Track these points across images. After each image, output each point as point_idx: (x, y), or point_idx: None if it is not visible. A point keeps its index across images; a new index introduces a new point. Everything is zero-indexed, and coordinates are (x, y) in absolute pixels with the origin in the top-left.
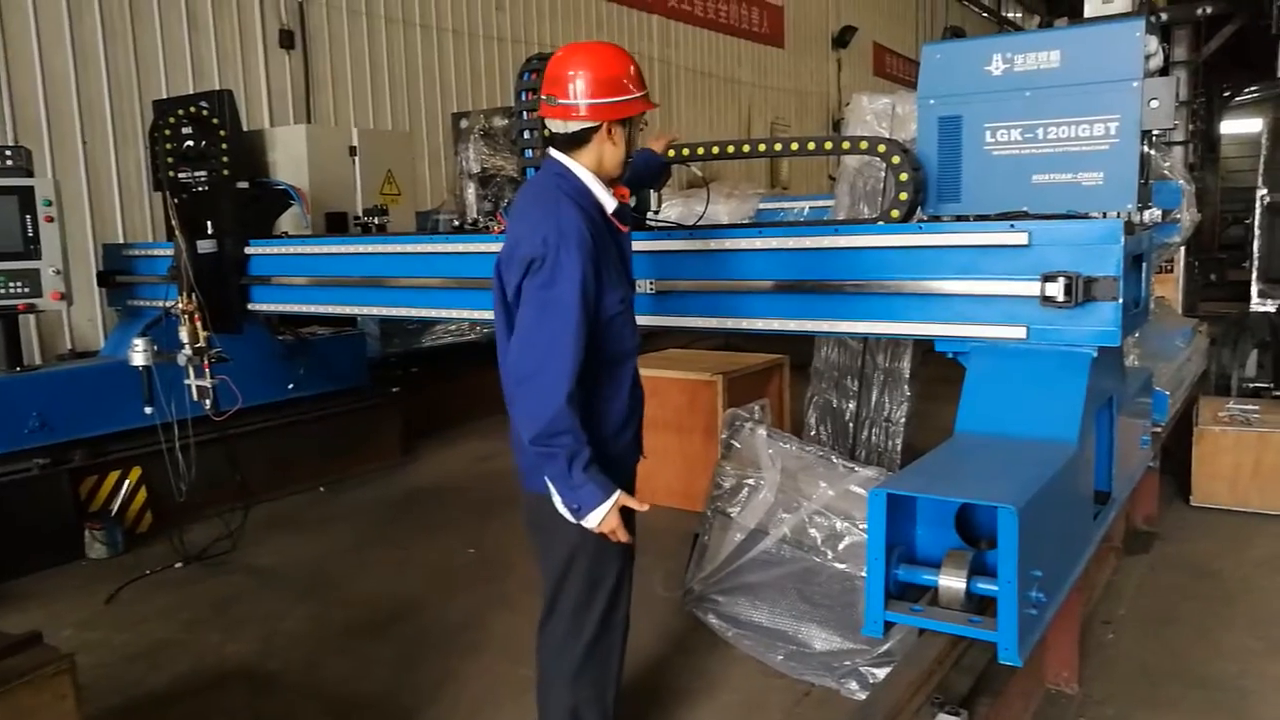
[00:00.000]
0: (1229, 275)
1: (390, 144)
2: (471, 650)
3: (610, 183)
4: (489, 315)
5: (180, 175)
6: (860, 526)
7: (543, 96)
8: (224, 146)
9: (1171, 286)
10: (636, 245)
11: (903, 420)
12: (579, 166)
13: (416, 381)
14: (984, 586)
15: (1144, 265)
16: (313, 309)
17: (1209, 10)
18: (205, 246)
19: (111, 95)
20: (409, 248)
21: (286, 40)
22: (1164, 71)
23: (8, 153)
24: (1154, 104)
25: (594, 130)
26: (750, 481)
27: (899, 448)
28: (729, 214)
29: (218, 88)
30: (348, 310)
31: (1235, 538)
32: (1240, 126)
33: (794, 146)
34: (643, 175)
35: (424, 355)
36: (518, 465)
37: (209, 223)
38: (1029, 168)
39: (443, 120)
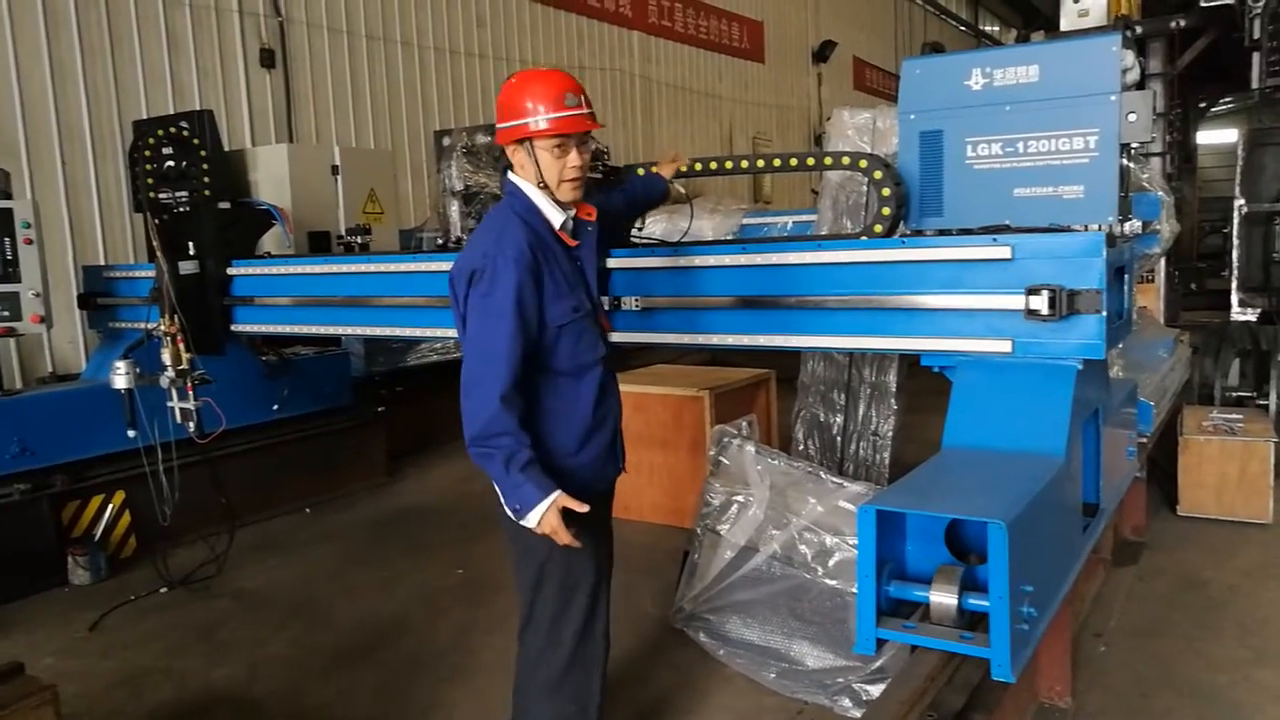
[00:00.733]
0: (1208, 284)
1: (373, 162)
2: (460, 674)
3: (569, 201)
4: None
5: (161, 196)
6: (850, 542)
7: None
8: (205, 167)
9: (1153, 296)
10: (619, 263)
11: (890, 434)
12: (526, 184)
13: (401, 400)
14: (975, 602)
15: (1126, 277)
16: (296, 329)
17: (1183, 23)
18: (187, 267)
19: (91, 115)
20: (392, 266)
21: (267, 59)
22: (1140, 85)
23: None
24: (1132, 117)
25: (509, 151)
26: (739, 498)
27: (887, 461)
28: (713, 230)
29: (198, 107)
30: (332, 330)
31: (1222, 547)
32: (1216, 137)
33: (777, 162)
34: (644, 198)
35: (409, 374)
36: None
37: (190, 243)
38: (1010, 181)
39: (425, 137)
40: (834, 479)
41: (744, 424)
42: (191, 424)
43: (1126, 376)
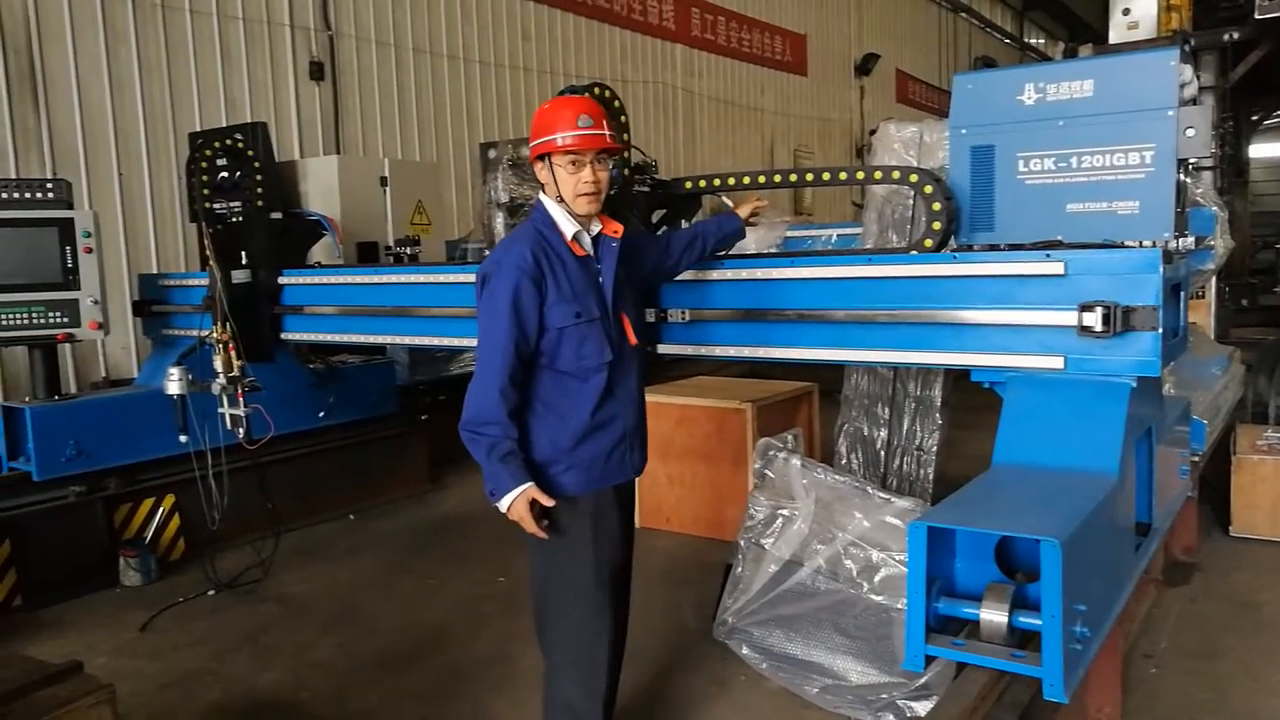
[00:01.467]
0: (1260, 300)
1: (420, 174)
2: (501, 683)
3: (584, 214)
4: None
5: (215, 206)
6: (896, 558)
7: None
8: (258, 178)
9: (1204, 312)
10: None
11: (935, 449)
12: (547, 199)
13: (444, 409)
14: (1027, 621)
15: (1182, 294)
16: (344, 338)
17: (1236, 36)
18: (239, 276)
19: (147, 128)
20: (437, 278)
21: (317, 72)
22: (1195, 100)
23: (48, 185)
24: (1190, 132)
25: (536, 168)
26: (784, 512)
27: (931, 477)
28: (756, 242)
29: (249, 119)
30: (378, 340)
31: (1276, 569)
32: (1268, 151)
33: (825, 176)
34: (717, 238)
35: (451, 383)
36: None
37: (243, 253)
38: (1063, 197)
39: (470, 150)
40: (881, 494)
41: (789, 437)
42: (241, 430)
43: (1179, 394)
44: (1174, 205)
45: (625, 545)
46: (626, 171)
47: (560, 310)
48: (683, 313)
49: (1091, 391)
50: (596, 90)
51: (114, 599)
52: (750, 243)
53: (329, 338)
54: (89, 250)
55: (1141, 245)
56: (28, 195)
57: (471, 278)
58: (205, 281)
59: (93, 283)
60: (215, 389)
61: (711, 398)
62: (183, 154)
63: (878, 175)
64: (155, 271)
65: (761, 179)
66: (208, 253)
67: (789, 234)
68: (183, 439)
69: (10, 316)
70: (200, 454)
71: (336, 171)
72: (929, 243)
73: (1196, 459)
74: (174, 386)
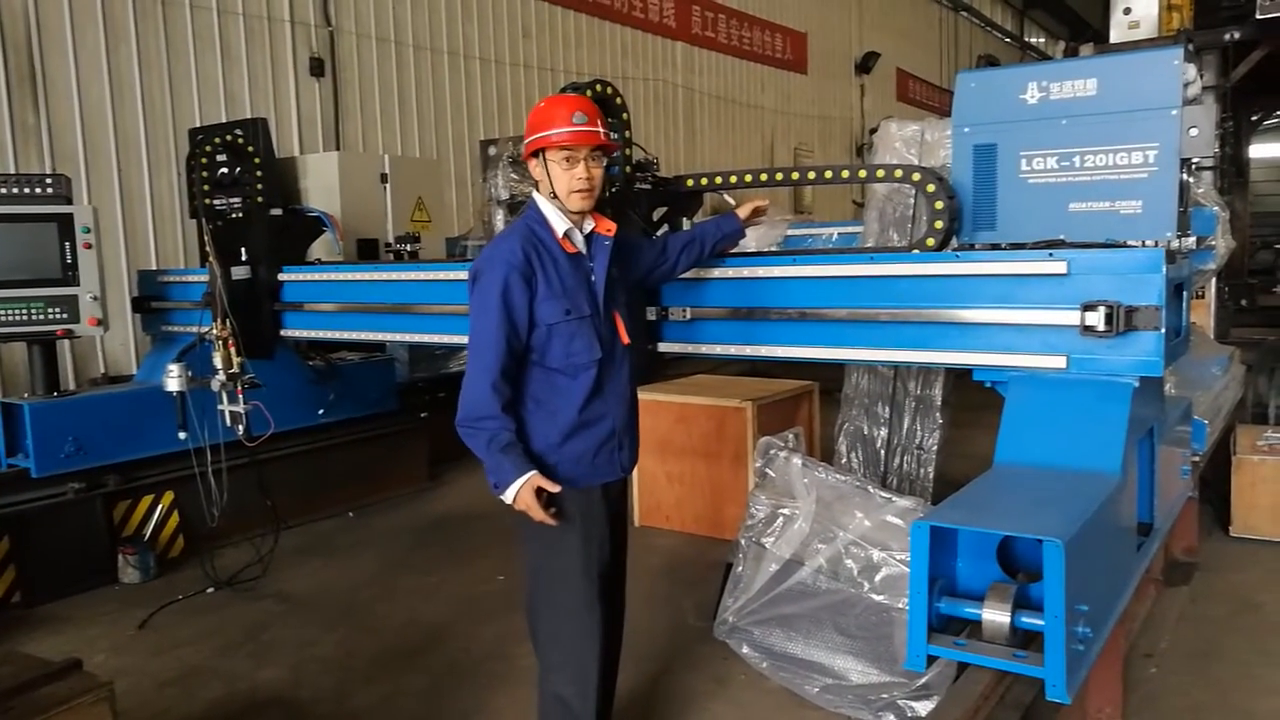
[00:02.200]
0: (1259, 300)
1: (421, 171)
2: (501, 681)
3: (578, 210)
4: None
5: (215, 202)
6: (897, 557)
7: None
8: (258, 174)
9: (1204, 312)
10: None
11: (935, 448)
12: (540, 197)
13: (444, 406)
14: (1029, 621)
15: (1184, 294)
16: (344, 335)
17: (1237, 35)
18: (239, 273)
19: (146, 124)
20: (439, 275)
21: (317, 68)
22: (1197, 98)
23: (47, 180)
24: (1193, 132)
25: (531, 166)
26: (785, 511)
27: (931, 476)
28: (756, 241)
29: (249, 115)
30: (378, 337)
31: (1277, 569)
32: (1268, 151)
33: (827, 175)
34: (715, 239)
35: (451, 380)
36: None
37: (243, 249)
38: (1066, 196)
39: (470, 147)
40: (882, 493)
41: (790, 436)
42: (240, 427)
43: (1180, 394)
44: (1177, 205)
45: (616, 543)
46: (628, 169)
47: (550, 307)
48: (684, 311)
49: (1094, 391)
50: (598, 88)
51: (113, 596)
52: (751, 241)
53: (329, 334)
54: (88, 246)
55: (1144, 245)
56: (27, 191)
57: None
58: (205, 278)
59: (92, 279)
60: (215, 386)
61: (712, 396)
62: (182, 150)
63: (880, 174)
64: (155, 268)
65: (763, 177)
66: (207, 249)
67: (790, 232)
68: (182, 436)
69: (9, 312)
70: (200, 451)
71: (337, 168)
72: (931, 241)
73: (1197, 459)
74: (173, 383)
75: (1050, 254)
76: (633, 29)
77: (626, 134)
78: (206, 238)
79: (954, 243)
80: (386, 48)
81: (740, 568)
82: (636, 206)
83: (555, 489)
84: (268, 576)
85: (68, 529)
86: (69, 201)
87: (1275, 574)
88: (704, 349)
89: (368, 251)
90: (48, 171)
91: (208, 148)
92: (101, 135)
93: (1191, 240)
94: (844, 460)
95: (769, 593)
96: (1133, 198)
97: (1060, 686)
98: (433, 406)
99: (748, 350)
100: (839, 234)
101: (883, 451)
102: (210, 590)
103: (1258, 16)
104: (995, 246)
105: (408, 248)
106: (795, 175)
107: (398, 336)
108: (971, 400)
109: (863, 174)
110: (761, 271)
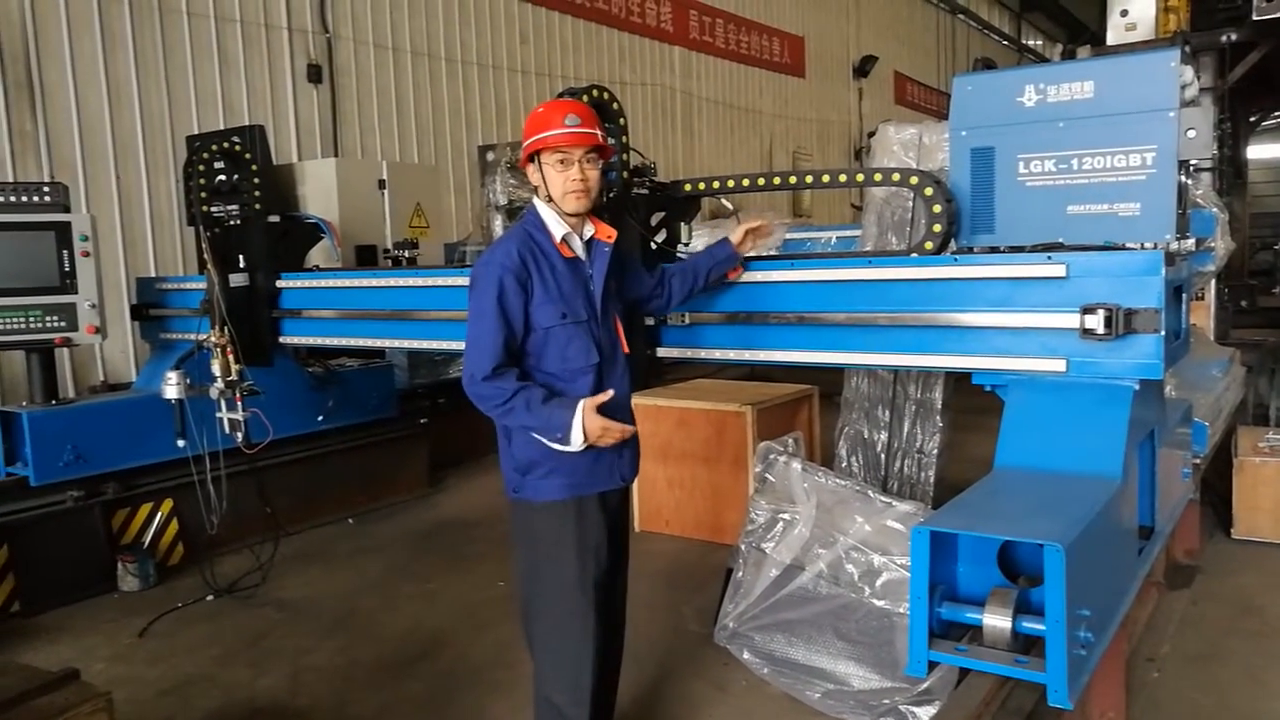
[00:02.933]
0: (1259, 302)
1: (419, 177)
2: (502, 688)
3: (574, 212)
4: None
5: (213, 209)
6: (898, 562)
7: None
8: (256, 181)
9: (1203, 314)
10: None
11: (935, 452)
12: (538, 201)
13: (443, 413)
14: (1030, 626)
15: (1183, 296)
16: (343, 342)
17: (1234, 37)
18: (237, 280)
19: (144, 131)
20: (438, 281)
21: (314, 75)
22: (1194, 100)
23: (45, 189)
24: (1191, 133)
25: (529, 172)
26: (785, 516)
27: (932, 479)
28: (754, 245)
29: (247, 123)
30: (377, 343)
31: (1279, 571)
32: (1267, 152)
33: (825, 179)
34: (708, 267)
35: (451, 386)
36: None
37: (241, 256)
38: (1064, 198)
39: (468, 152)
40: (882, 498)
41: (790, 440)
42: (239, 434)
43: (1180, 396)
44: (1175, 207)
45: (614, 552)
46: (625, 174)
47: (546, 310)
48: (682, 315)
49: (1094, 394)
50: (595, 92)
51: (112, 604)
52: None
53: (327, 341)
54: (86, 254)
55: (1143, 247)
56: (25, 199)
57: (469, 281)
58: (203, 285)
59: (90, 286)
60: (213, 393)
61: (711, 400)
62: (180, 157)
63: (878, 177)
64: (153, 275)
65: (761, 181)
66: (205, 256)
67: (788, 236)
68: (181, 443)
69: (8, 321)
70: (199, 458)
71: (335, 174)
72: (929, 245)
73: (1198, 461)
74: (172, 391)
75: (1049, 257)
76: (630, 34)
77: (624, 139)
78: (204, 245)
79: (952, 246)
80: (384, 54)
81: (741, 573)
82: (635, 211)
83: (608, 397)
84: (267, 584)
85: (67, 537)
86: (67, 209)
87: (1277, 577)
88: (703, 353)
89: (366, 258)
90: (45, 179)
91: (205, 155)
92: (99, 143)
93: (1190, 242)
94: (844, 464)
95: (770, 598)
96: (1131, 200)
97: (1062, 691)
98: (432, 412)
99: (747, 355)
100: (837, 238)
101: (883, 455)
102: (209, 598)
103: (1254, 18)
104: (994, 250)
105: (406, 254)
106: (793, 179)
107: (396, 343)
108: (972, 404)
109: (861, 177)
110: (760, 276)
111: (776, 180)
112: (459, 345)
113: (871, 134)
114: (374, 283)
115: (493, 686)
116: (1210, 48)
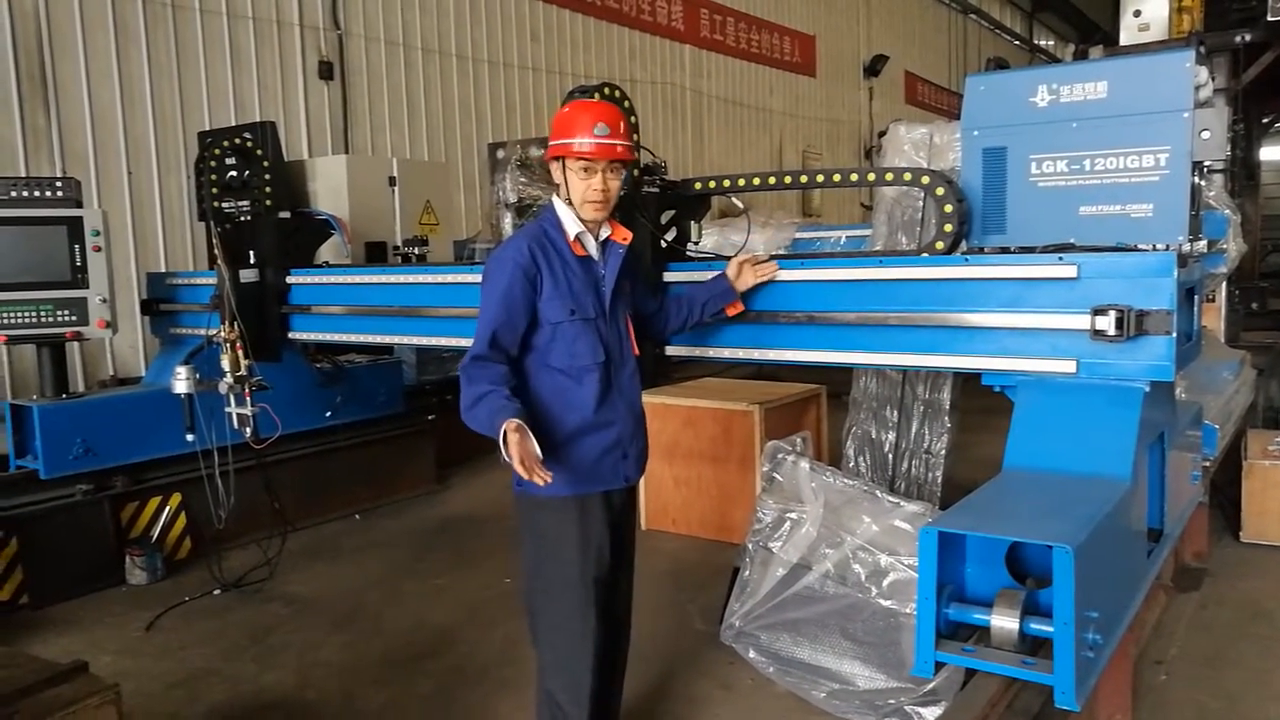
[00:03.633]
0: (1270, 304)
1: (429, 174)
2: (508, 686)
3: (591, 220)
4: None
5: (224, 205)
6: (905, 562)
7: None
8: (267, 177)
9: (1214, 316)
10: (676, 276)
11: (943, 452)
12: (557, 200)
13: (451, 409)
14: (1038, 627)
15: (1195, 298)
16: (352, 338)
17: (1248, 38)
18: (247, 275)
19: (156, 127)
20: (447, 278)
21: (325, 71)
22: (1208, 101)
23: (57, 184)
24: (1205, 134)
25: (552, 168)
26: (792, 515)
27: (939, 480)
28: (764, 244)
29: (258, 119)
30: (386, 340)
31: None
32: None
33: (836, 178)
34: (704, 301)
35: (458, 383)
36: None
37: (251, 252)
38: (1076, 199)
39: (478, 150)
40: (890, 498)
41: (798, 440)
42: (248, 429)
43: (1191, 399)
44: (1188, 208)
45: (618, 550)
46: (636, 172)
47: (554, 306)
48: None
49: (1104, 396)
50: (606, 90)
51: (120, 598)
52: (759, 243)
53: (336, 337)
54: (97, 249)
55: (1155, 248)
56: (37, 194)
57: (479, 278)
58: (213, 280)
59: (101, 281)
60: (222, 388)
61: (718, 399)
62: (192, 153)
63: (889, 177)
64: (163, 270)
65: (771, 180)
66: (216, 252)
67: (798, 235)
68: (190, 438)
69: (19, 315)
70: (207, 453)
71: (345, 171)
72: (940, 245)
73: (1208, 464)
74: (181, 385)
75: (1060, 258)
76: (641, 32)
77: (635, 137)
78: (215, 240)
79: (963, 246)
80: (395, 51)
81: (747, 572)
82: (645, 210)
83: (529, 442)
84: (274, 579)
85: (75, 530)
86: (79, 204)
87: None
88: (711, 352)
89: (376, 254)
90: (58, 174)
91: (217, 151)
92: (111, 138)
93: (1203, 244)
94: (852, 464)
95: (776, 597)
96: (1143, 201)
97: (1069, 693)
98: (440, 409)
99: (755, 354)
100: (847, 237)
101: (891, 455)
102: (217, 592)
103: (1269, 19)
104: (1005, 250)
105: (416, 251)
106: (804, 178)
107: (405, 339)
108: (980, 404)
109: (871, 177)
110: None
111: (787, 179)
112: (467, 342)
113: (882, 133)
114: (383, 279)
115: (500, 684)
116: (1224, 48)
